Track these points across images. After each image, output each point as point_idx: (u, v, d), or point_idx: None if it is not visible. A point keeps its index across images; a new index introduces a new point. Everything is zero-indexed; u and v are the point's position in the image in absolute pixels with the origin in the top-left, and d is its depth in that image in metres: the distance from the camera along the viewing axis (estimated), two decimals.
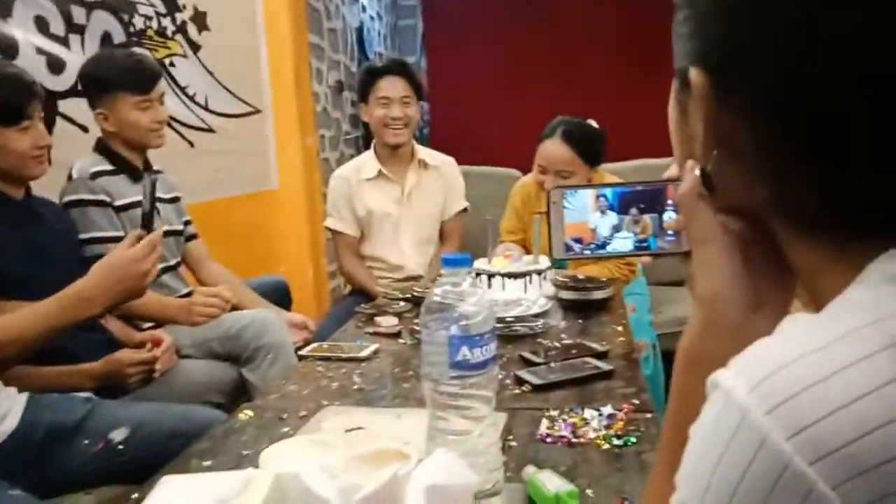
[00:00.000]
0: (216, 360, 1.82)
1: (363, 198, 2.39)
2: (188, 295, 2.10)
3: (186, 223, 2.19)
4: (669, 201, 0.84)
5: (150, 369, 1.56)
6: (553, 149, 2.14)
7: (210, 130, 3.21)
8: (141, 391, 1.60)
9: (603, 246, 0.88)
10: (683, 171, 0.57)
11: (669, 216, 0.83)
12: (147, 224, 1.51)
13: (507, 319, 1.58)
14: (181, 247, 2.14)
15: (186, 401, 1.64)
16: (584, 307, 1.71)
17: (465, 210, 2.50)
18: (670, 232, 0.84)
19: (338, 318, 2.18)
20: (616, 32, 6.53)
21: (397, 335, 1.61)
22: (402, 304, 1.81)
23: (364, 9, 5.62)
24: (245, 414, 1.18)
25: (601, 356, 1.35)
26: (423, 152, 2.46)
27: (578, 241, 0.90)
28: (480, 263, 1.78)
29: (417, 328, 1.54)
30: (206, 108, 3.17)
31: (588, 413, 1.07)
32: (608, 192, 0.88)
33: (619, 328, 1.55)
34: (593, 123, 2.23)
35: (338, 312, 2.28)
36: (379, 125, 2.35)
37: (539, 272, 1.75)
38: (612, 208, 0.87)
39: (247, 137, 3.60)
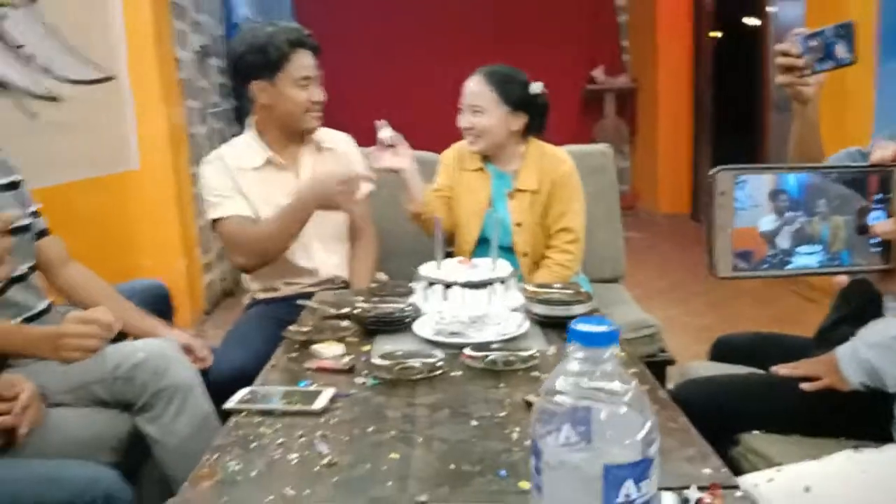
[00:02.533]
0: (102, 406, 1.38)
1: (249, 191, 1.92)
2: (46, 312, 1.61)
3: (34, 214, 1.68)
4: (876, 196, 0.62)
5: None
6: (470, 83, 2.01)
7: (54, 99, 2.61)
8: None
9: (782, 263, 0.62)
10: None
11: (877, 217, 0.63)
12: None
13: (493, 346, 1.29)
14: (31, 247, 1.64)
15: None
16: (563, 326, 1.45)
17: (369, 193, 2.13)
18: (874, 239, 0.63)
19: (246, 340, 1.77)
20: (498, 6, 6.37)
21: (350, 370, 1.26)
22: (343, 323, 1.46)
23: None
24: None
25: None
26: (320, 132, 2.03)
27: (745, 255, 0.62)
28: (429, 270, 1.48)
29: (378, 363, 1.22)
30: (48, 72, 2.57)
31: (668, 500, 0.81)
32: (791, 180, 0.61)
33: (622, 354, 1.31)
34: (538, 85, 2.04)
35: (244, 332, 1.83)
36: (299, 109, 1.89)
37: (502, 281, 1.48)
38: (794, 206, 0.61)
39: (99, 109, 3.00)
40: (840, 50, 1.29)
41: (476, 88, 1.98)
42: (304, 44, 1.89)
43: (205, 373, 1.63)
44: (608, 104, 6.37)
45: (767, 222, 0.61)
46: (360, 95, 6.03)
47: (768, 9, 6.45)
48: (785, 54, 1.32)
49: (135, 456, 1.38)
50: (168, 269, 3.21)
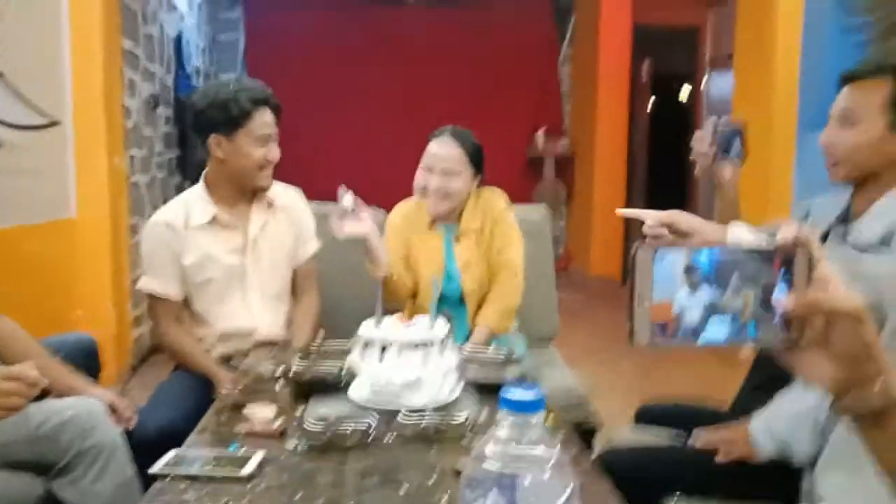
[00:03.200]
0: (16, 469, 1.33)
1: (198, 247, 1.92)
2: None
3: None
4: (781, 273, 0.66)
5: None
6: (440, 146, 2.03)
7: None
8: None
9: (695, 335, 0.65)
10: None
11: (780, 293, 0.66)
12: None
13: (426, 412, 1.31)
14: None
15: None
16: (496, 389, 1.48)
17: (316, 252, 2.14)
18: (777, 314, 0.66)
19: (174, 399, 1.74)
20: (448, 69, 6.56)
21: (282, 434, 1.26)
22: (276, 385, 1.46)
23: (182, 17, 5.07)
24: None
25: None
26: (271, 188, 2.02)
27: (662, 327, 0.65)
28: (367, 328, 1.49)
29: (311, 426, 1.23)
30: None
31: None
32: (704, 256, 0.65)
33: (551, 417, 1.35)
34: None
35: (173, 391, 1.80)
36: (254, 167, 1.91)
37: (441, 341, 1.51)
38: (707, 281, 0.65)
39: (40, 154, 2.96)
40: (735, 146, 1.43)
41: (449, 151, 2.01)
42: (267, 103, 1.91)
43: (129, 433, 1.59)
44: (548, 167, 6.59)
45: (680, 298, 0.65)
46: (305, 150, 6.08)
47: (701, 83, 6.83)
48: (698, 143, 1.45)
49: None
50: (98, 320, 3.13)
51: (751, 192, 3.58)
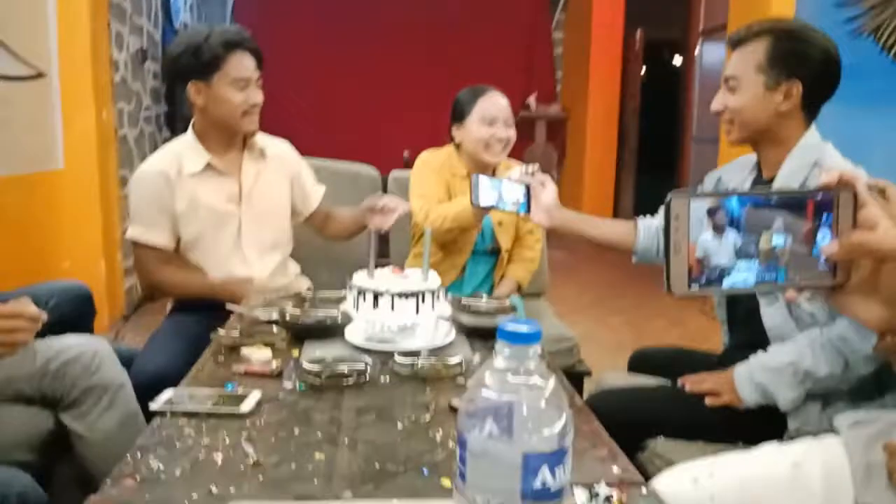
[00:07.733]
0: (25, 404, 1.36)
1: (192, 195, 1.90)
2: None
3: None
4: (818, 215, 0.65)
5: None
6: (498, 98, 2.14)
7: None
8: None
9: (720, 279, 0.65)
10: None
11: (823, 237, 0.65)
12: None
13: (421, 354, 1.33)
14: None
15: None
16: (488, 335, 1.51)
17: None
18: (823, 259, 0.66)
19: (170, 344, 1.75)
20: (440, 34, 6.49)
21: (278, 375, 1.28)
22: (273, 329, 1.47)
23: None
24: None
25: None
26: (261, 138, 2.02)
27: (699, 275, 0.65)
28: (361, 279, 1.50)
29: (309, 368, 1.24)
30: None
31: (579, 495, 0.86)
32: (734, 201, 0.64)
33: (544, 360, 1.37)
34: None
35: (168, 336, 1.81)
36: (236, 112, 1.87)
37: (433, 292, 1.52)
38: (734, 224, 0.64)
39: (27, 106, 2.91)
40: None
41: (505, 103, 2.14)
42: (242, 45, 1.87)
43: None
44: (539, 130, 6.57)
45: (704, 240, 0.65)
46: (289, 107, 6.02)
47: (694, 51, 6.79)
48: None
49: (52, 453, 1.36)
50: (88, 271, 3.12)
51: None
